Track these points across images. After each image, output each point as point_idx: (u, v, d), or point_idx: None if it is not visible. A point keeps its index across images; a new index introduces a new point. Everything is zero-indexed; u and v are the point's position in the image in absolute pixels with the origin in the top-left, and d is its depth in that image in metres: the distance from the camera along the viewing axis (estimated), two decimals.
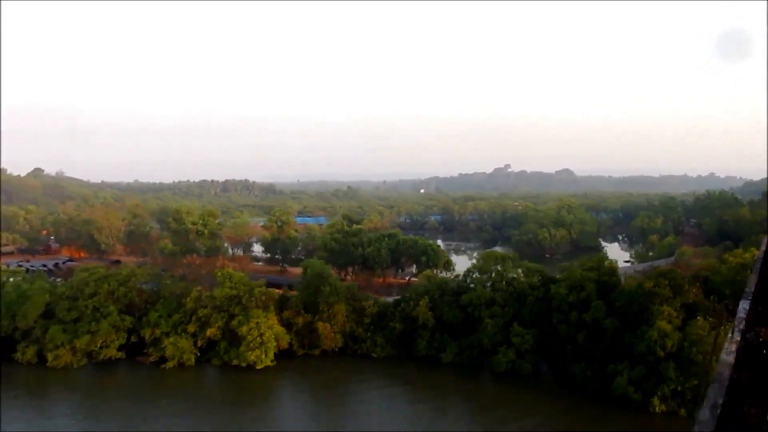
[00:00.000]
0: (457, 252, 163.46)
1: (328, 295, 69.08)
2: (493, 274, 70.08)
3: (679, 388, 51.68)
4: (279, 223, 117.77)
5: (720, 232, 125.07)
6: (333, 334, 68.62)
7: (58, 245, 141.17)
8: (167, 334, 67.28)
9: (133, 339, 68.93)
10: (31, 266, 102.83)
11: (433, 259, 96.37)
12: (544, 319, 63.78)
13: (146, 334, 67.92)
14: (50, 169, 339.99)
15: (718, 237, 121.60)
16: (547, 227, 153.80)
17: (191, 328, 66.86)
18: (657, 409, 51.61)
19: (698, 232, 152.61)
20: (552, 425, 53.46)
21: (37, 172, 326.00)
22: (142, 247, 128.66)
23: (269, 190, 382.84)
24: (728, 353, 8.28)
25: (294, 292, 75.05)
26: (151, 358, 67.01)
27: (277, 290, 76.19)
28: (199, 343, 67.12)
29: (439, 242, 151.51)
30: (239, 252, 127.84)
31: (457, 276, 76.21)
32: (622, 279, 67.44)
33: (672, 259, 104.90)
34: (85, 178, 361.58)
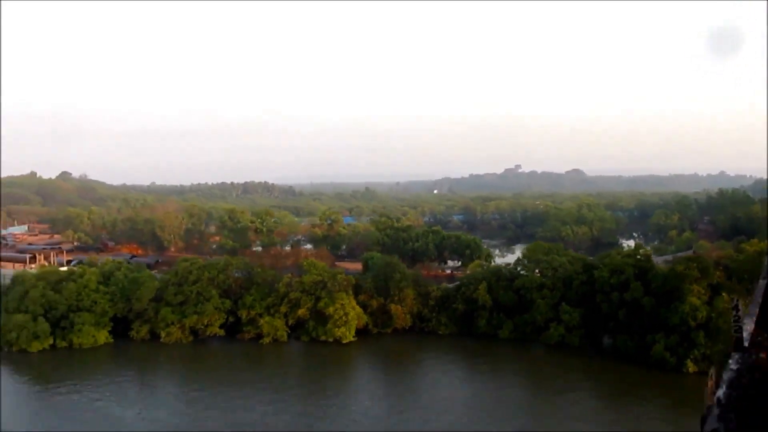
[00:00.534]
0: None
1: (398, 281, 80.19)
2: (542, 263, 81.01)
3: (708, 352, 62.37)
4: (329, 222, 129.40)
5: (733, 229, 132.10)
6: (404, 315, 79.72)
7: (113, 243, 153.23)
8: (261, 315, 78.59)
9: (230, 319, 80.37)
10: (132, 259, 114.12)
11: (475, 252, 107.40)
12: (588, 299, 74.50)
13: (243, 314, 79.15)
14: (50, 173, 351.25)
15: (731, 233, 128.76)
16: (569, 225, 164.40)
17: (283, 309, 78.01)
18: (690, 369, 62.32)
19: (712, 228, 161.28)
20: (601, 383, 64.57)
21: (65, 176, 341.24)
22: (196, 244, 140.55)
23: (288, 192, 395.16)
24: (750, 316, 9.71)
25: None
26: (248, 335, 78.32)
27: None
28: (290, 322, 78.39)
29: None
30: (287, 248, 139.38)
31: (508, 264, 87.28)
32: None
33: (691, 252, 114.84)
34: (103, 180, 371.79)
